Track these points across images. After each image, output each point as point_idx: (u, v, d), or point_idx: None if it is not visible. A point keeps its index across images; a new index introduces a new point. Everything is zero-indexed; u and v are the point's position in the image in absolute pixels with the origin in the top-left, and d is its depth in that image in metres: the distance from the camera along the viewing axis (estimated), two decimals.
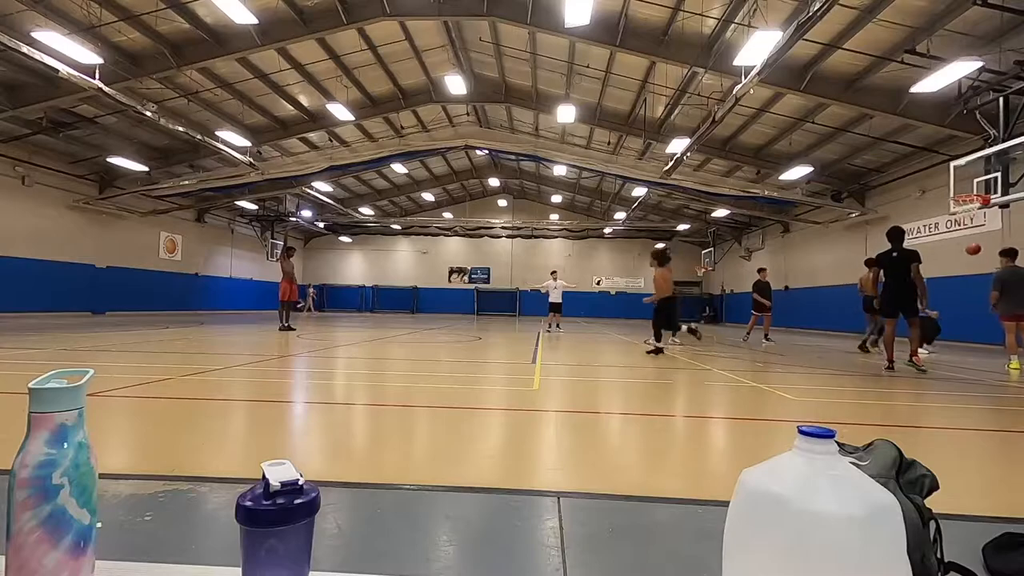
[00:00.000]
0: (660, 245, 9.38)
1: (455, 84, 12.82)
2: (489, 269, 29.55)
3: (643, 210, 24.27)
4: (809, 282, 18.40)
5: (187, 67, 11.51)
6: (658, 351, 7.04)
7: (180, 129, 12.61)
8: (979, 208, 8.92)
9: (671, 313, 7.61)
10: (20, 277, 13.93)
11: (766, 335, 10.09)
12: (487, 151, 18.43)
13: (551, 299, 12.59)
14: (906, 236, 6.17)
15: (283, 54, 12.17)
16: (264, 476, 0.63)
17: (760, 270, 10.64)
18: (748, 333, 10.79)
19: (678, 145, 12.91)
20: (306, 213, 23.49)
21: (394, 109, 15.91)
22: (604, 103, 14.59)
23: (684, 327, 9.80)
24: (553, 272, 13.36)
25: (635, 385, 4.29)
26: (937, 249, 11.74)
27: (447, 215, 27.68)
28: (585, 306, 27.92)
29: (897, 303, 5.80)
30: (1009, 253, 6.75)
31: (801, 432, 0.64)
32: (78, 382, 0.64)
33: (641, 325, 14.43)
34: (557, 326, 12.90)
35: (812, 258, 18.33)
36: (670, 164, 13.60)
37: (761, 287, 10.34)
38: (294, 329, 9.96)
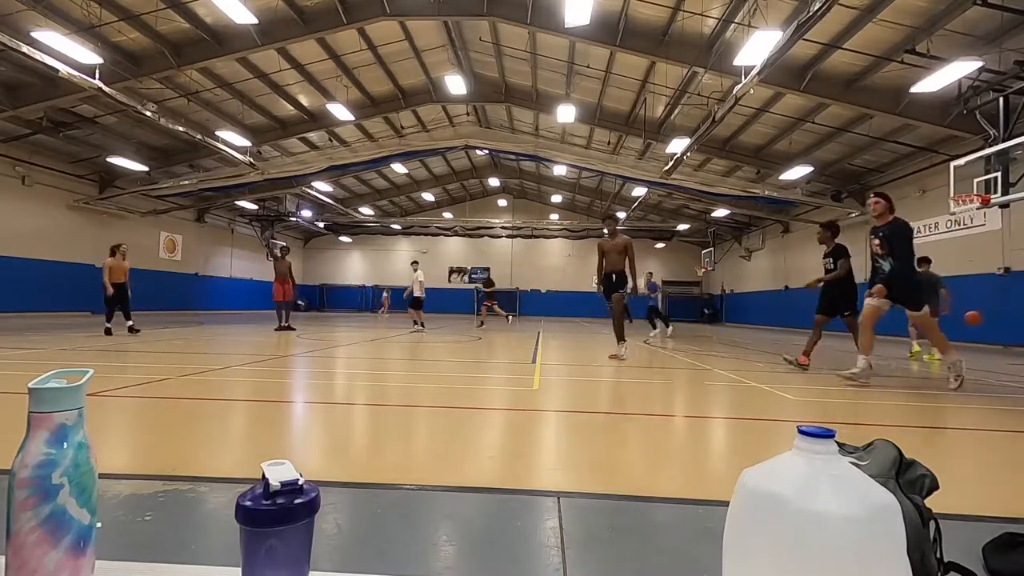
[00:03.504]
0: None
1: (455, 84, 12.81)
2: (489, 269, 29.54)
3: (643, 210, 24.27)
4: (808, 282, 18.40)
5: (187, 67, 11.51)
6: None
7: (180, 129, 12.61)
8: (979, 208, 8.93)
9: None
10: (20, 277, 13.91)
11: (482, 322, 14.42)
12: (487, 151, 18.43)
13: (415, 293, 10.81)
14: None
15: (283, 54, 12.17)
16: (264, 476, 0.63)
17: (487, 276, 16.27)
18: (483, 322, 14.36)
19: (678, 145, 12.91)
20: (306, 213, 23.48)
21: (394, 109, 15.91)
22: (604, 103, 14.58)
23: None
24: (414, 263, 11.48)
25: (635, 385, 4.29)
26: (937, 249, 11.73)
27: (447, 215, 27.68)
28: (585, 306, 27.92)
29: None
30: None
31: (801, 432, 0.64)
32: (78, 382, 0.64)
33: (640, 325, 14.37)
34: (420, 325, 10.84)
35: (812, 258, 18.31)
36: (670, 164, 13.59)
37: (489, 283, 15.34)
38: (293, 329, 9.98)
